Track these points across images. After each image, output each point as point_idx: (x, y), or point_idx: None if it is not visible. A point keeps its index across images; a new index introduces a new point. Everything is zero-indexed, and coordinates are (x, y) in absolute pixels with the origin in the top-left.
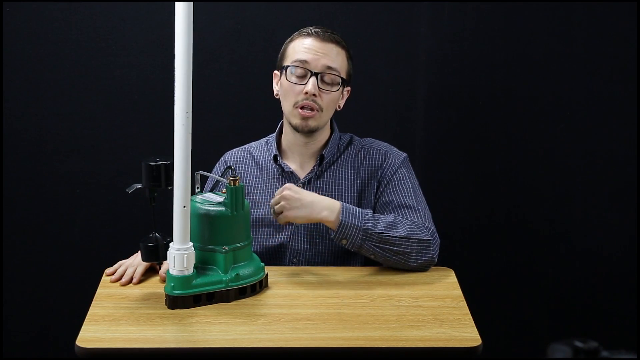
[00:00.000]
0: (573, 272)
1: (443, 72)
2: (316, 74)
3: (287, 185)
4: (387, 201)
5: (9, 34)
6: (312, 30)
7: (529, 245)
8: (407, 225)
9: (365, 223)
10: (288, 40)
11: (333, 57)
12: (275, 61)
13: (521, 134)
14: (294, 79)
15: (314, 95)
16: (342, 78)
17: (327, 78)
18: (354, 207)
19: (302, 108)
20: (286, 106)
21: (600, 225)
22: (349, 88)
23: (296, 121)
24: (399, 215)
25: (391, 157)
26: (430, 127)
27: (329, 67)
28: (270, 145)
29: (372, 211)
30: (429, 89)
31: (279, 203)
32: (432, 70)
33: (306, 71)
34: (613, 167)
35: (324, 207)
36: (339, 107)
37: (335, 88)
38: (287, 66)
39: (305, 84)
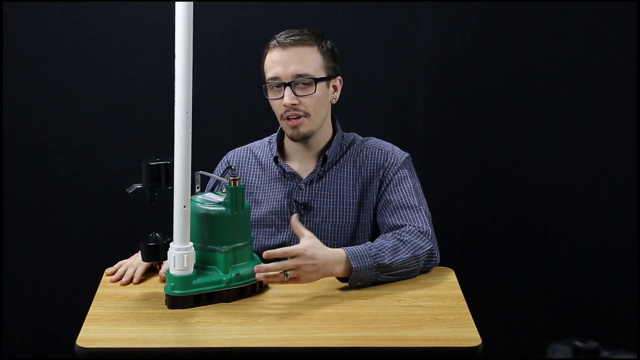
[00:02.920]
0: (573, 272)
1: (443, 72)
2: (288, 84)
3: (302, 248)
4: (388, 201)
5: (9, 34)
6: (276, 41)
7: (529, 245)
8: (409, 242)
9: (374, 259)
10: (265, 48)
11: (300, 61)
12: None
13: (521, 133)
14: (272, 95)
15: (294, 104)
16: (315, 79)
17: (301, 83)
18: (356, 248)
19: (288, 119)
20: (277, 118)
21: (600, 224)
22: (339, 78)
23: (289, 132)
24: (394, 233)
25: (393, 157)
26: (430, 127)
27: (299, 75)
28: (273, 145)
29: (369, 241)
30: (429, 89)
31: (290, 269)
32: (432, 70)
33: (280, 84)
34: (613, 167)
35: (335, 262)
36: (334, 99)
37: (311, 90)
38: (263, 85)
39: (282, 97)
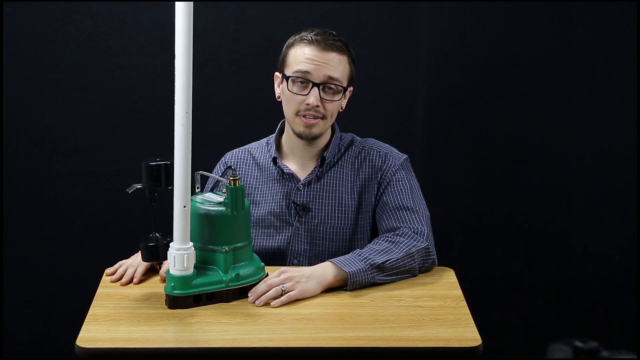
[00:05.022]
0: (573, 272)
1: (443, 72)
2: (318, 85)
3: (282, 268)
4: (385, 203)
5: (9, 34)
6: (313, 38)
7: (529, 245)
8: (400, 242)
9: (366, 261)
10: (289, 43)
11: (334, 66)
12: (275, 62)
13: (521, 134)
14: (295, 89)
15: (317, 106)
16: (343, 87)
17: (328, 88)
18: (343, 256)
19: (304, 116)
20: (288, 113)
21: (600, 225)
22: (351, 88)
23: (299, 129)
24: (386, 236)
25: (391, 159)
26: (430, 127)
27: (331, 77)
28: (271, 146)
29: (357, 249)
30: (429, 89)
31: (283, 284)
32: (432, 70)
33: (308, 82)
34: (613, 167)
35: (324, 271)
36: (342, 108)
37: (337, 97)
38: (289, 77)
39: (307, 94)
